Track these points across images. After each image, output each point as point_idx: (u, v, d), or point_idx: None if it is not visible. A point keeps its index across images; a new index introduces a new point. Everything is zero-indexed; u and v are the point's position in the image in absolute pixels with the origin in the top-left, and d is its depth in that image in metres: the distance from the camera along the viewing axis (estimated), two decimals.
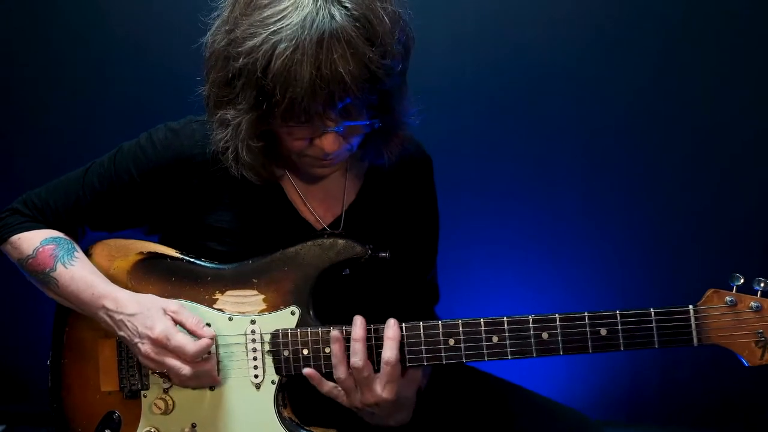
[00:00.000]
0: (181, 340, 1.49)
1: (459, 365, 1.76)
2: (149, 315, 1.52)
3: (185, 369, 1.49)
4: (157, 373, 1.55)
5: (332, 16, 1.33)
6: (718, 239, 2.65)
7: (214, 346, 1.56)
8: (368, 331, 1.50)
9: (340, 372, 1.49)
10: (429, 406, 1.67)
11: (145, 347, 1.50)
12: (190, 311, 1.55)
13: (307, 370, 1.52)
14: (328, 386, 1.52)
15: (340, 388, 1.51)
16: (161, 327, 1.49)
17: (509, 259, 2.74)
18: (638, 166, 2.67)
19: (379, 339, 1.49)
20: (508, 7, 2.61)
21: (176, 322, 1.53)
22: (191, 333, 1.52)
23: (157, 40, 2.66)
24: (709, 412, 2.72)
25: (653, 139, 2.64)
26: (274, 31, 1.34)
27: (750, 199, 2.62)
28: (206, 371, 1.52)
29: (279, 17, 1.34)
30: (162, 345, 1.49)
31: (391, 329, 1.48)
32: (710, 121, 2.61)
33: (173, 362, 1.49)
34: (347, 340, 1.49)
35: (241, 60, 1.37)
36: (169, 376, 1.53)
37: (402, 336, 1.49)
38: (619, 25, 2.59)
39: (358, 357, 1.47)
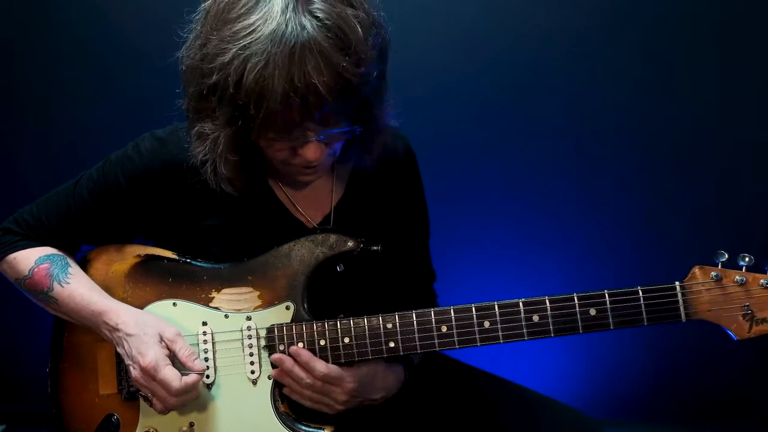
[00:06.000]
0: (168, 374, 1.48)
1: (456, 364, 1.79)
2: (144, 340, 1.51)
3: (171, 400, 1.50)
4: (141, 396, 1.56)
5: (303, 27, 1.30)
6: (717, 233, 2.65)
7: (211, 348, 1.58)
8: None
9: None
10: (425, 406, 1.68)
11: (135, 372, 1.51)
12: (186, 342, 1.55)
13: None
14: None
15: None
16: (152, 356, 1.49)
17: (503, 256, 2.74)
18: (625, 163, 2.68)
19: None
20: (501, 6, 2.63)
21: (170, 351, 1.53)
22: (183, 364, 1.52)
23: (158, 41, 2.66)
24: (709, 410, 2.70)
25: (644, 135, 2.65)
26: (244, 45, 1.31)
27: (749, 194, 2.63)
28: (191, 400, 1.54)
29: (248, 31, 1.32)
30: (150, 375, 1.49)
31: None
32: (700, 113, 2.62)
33: (161, 392, 1.50)
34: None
35: (214, 76, 1.36)
36: (152, 402, 1.53)
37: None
38: (614, 22, 2.60)
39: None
